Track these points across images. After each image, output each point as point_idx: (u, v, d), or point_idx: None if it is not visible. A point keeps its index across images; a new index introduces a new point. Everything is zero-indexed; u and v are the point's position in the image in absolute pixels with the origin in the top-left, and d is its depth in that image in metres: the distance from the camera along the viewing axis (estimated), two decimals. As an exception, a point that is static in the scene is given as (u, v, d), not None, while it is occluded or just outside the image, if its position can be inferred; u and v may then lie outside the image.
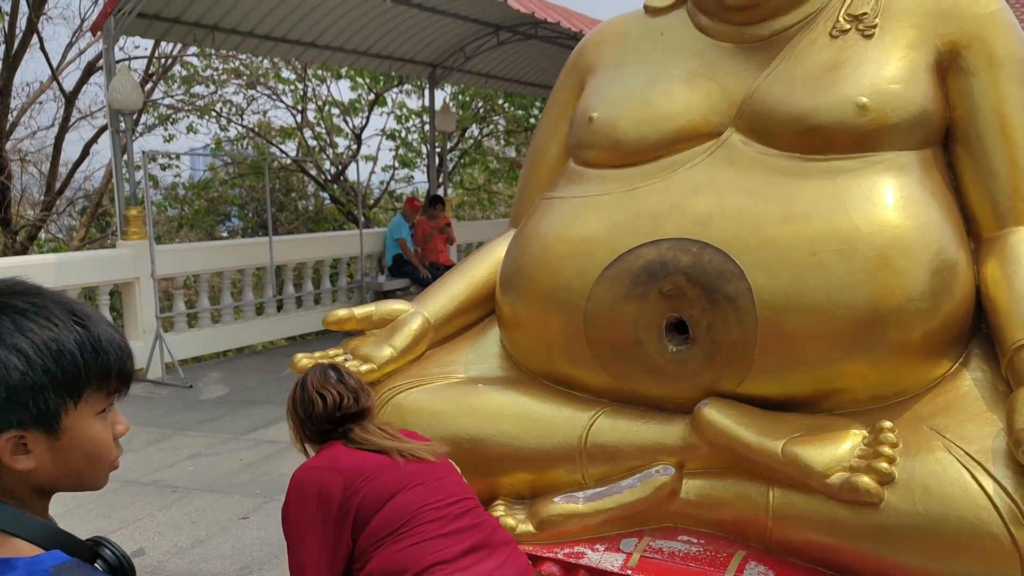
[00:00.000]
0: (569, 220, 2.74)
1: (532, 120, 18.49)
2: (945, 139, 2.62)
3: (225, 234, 16.25)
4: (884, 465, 2.10)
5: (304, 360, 2.77)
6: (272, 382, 7.39)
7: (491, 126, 18.72)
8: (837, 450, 2.20)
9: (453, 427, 2.68)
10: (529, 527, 2.55)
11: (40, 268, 6.78)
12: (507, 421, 2.67)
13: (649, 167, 2.71)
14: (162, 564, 3.76)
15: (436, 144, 12.40)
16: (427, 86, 11.96)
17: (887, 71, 2.51)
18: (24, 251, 9.97)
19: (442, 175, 12.41)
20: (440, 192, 11.77)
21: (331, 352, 2.90)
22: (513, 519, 2.57)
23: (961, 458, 2.08)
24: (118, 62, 7.43)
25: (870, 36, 2.58)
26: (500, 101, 17.47)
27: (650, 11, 3.03)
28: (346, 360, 2.85)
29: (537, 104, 17.44)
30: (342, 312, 2.95)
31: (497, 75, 12.30)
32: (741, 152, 2.60)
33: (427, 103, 12.32)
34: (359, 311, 2.97)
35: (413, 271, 9.69)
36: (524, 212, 3.14)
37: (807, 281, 2.30)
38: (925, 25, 2.59)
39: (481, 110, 17.72)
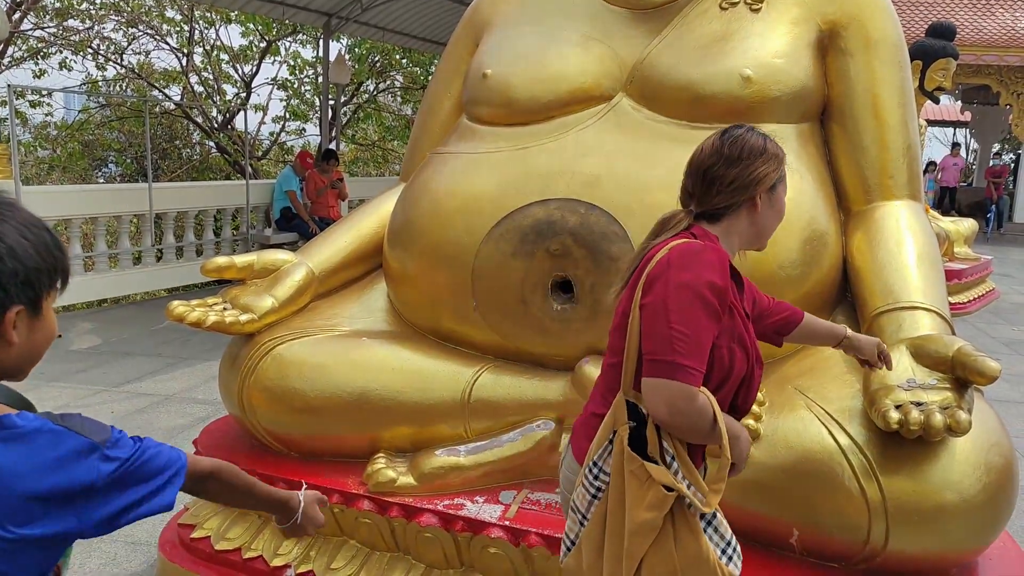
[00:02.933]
0: (460, 176, 2.74)
1: (429, 78, 18.23)
2: (822, 115, 2.74)
3: (101, 180, 15.40)
4: (751, 422, 2.21)
5: (180, 308, 2.67)
6: (148, 334, 7.10)
7: (387, 82, 18.37)
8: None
9: (336, 380, 2.65)
10: (410, 479, 2.56)
11: None
12: (391, 375, 2.66)
13: (541, 127, 2.73)
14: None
15: (330, 97, 12.07)
16: (322, 36, 11.60)
17: (771, 46, 2.60)
18: None
19: (335, 129, 12.11)
20: (333, 147, 11.49)
21: (209, 300, 2.81)
22: (394, 471, 2.57)
23: (821, 416, 2.21)
24: (-18, -14, 6.85)
25: (757, 11, 2.66)
26: (398, 56, 17.14)
27: (549, -29, 3.02)
28: (225, 309, 2.77)
29: (435, 62, 17.20)
30: (222, 260, 2.86)
31: (395, 29, 12.04)
32: (630, 117, 2.65)
33: (322, 54, 11.97)
34: (240, 259, 2.88)
35: (301, 225, 9.46)
36: (415, 166, 3.12)
37: (687, 245, 2.37)
38: (808, 3, 2.69)
39: (378, 64, 17.34)
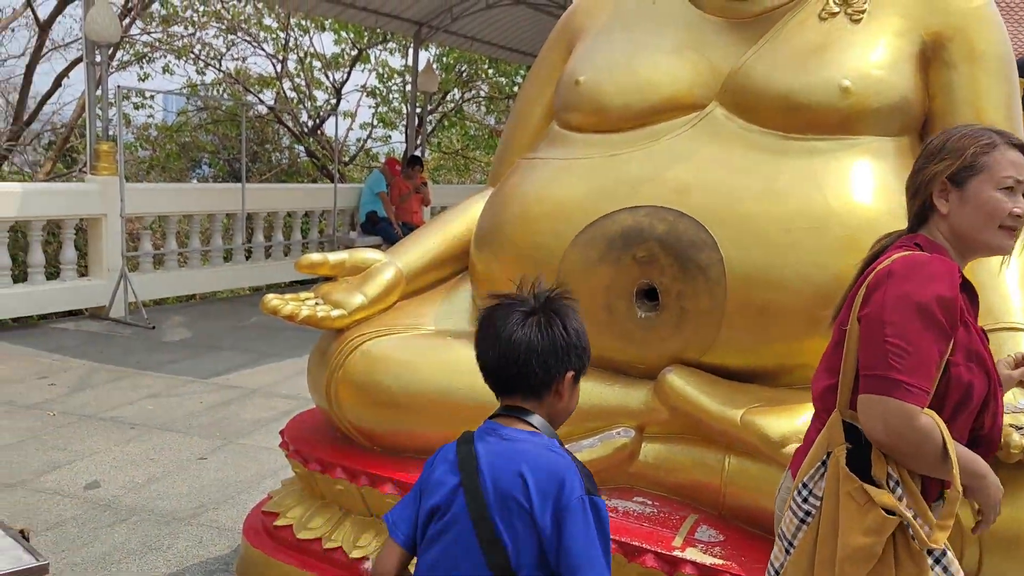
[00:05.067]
0: (549, 181, 2.76)
1: (515, 88, 18.38)
2: (923, 129, 2.67)
3: (195, 180, 15.99)
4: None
5: (275, 301, 2.77)
6: (236, 330, 7.36)
7: (473, 91, 18.59)
8: (794, 422, 2.26)
9: (420, 377, 2.70)
10: (487, 481, 2.58)
11: (4, 197, 6.63)
12: (474, 375, 2.64)
13: (631, 134, 2.73)
14: (117, 498, 3.75)
15: (417, 105, 12.29)
16: (411, 45, 11.82)
17: (872, 57, 2.55)
18: (-12, 180, 9.78)
19: (421, 136, 12.32)
20: (418, 153, 11.69)
21: (303, 295, 2.90)
22: (473, 471, 2.60)
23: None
24: (97, -8, 7.21)
25: (858, 21, 2.61)
26: (484, 66, 17.34)
27: (644, -21, 3.03)
28: (317, 304, 2.86)
29: (521, 72, 17.33)
30: (315, 256, 2.95)
31: (483, 39, 12.19)
32: (723, 126, 2.63)
33: (410, 63, 12.19)
34: (333, 257, 2.97)
35: (385, 229, 9.65)
36: (504, 172, 3.15)
37: (779, 256, 2.35)
38: (912, 14, 2.63)
39: (464, 74, 17.57)
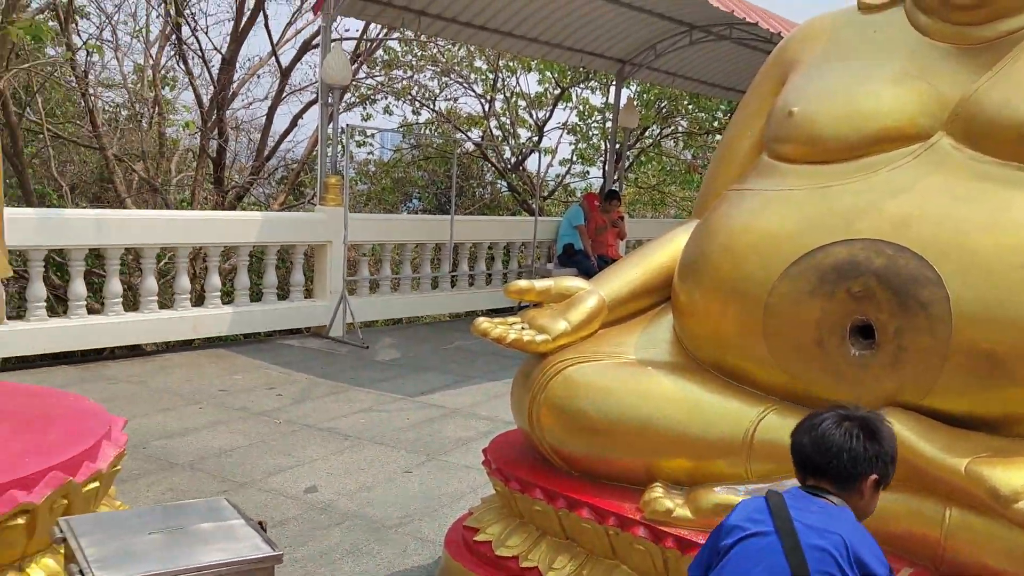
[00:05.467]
0: (757, 212, 2.73)
1: (715, 123, 18.13)
2: None
3: (404, 213, 16.99)
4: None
5: (485, 324, 2.91)
6: (440, 352, 7.73)
7: (672, 127, 18.52)
8: (1028, 476, 2.09)
9: (620, 405, 2.74)
10: (687, 512, 2.57)
11: (247, 223, 7.46)
12: (673, 406, 2.70)
13: (846, 165, 2.65)
14: (332, 503, 4.05)
15: (616, 140, 12.44)
16: (613, 83, 11.99)
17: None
18: (232, 209, 10.92)
19: (618, 171, 12.44)
20: (615, 188, 11.81)
21: (510, 320, 3.03)
22: (671, 502, 2.59)
23: None
24: (332, 41, 7.95)
25: (1107, 45, 2.41)
26: (684, 102, 17.25)
27: (864, 8, 2.95)
28: (523, 329, 2.98)
29: (722, 107, 17.07)
30: (523, 283, 3.07)
31: (685, 75, 12.16)
32: (949, 156, 2.50)
33: (611, 100, 12.36)
34: (539, 284, 3.09)
35: (582, 261, 9.79)
36: (709, 203, 3.15)
37: (1011, 294, 2.19)
38: None
39: (664, 110, 17.56)
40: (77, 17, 9.69)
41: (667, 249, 3.21)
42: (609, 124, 12.90)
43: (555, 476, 2.88)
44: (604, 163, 14.69)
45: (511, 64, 15.66)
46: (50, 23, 8.25)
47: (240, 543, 2.13)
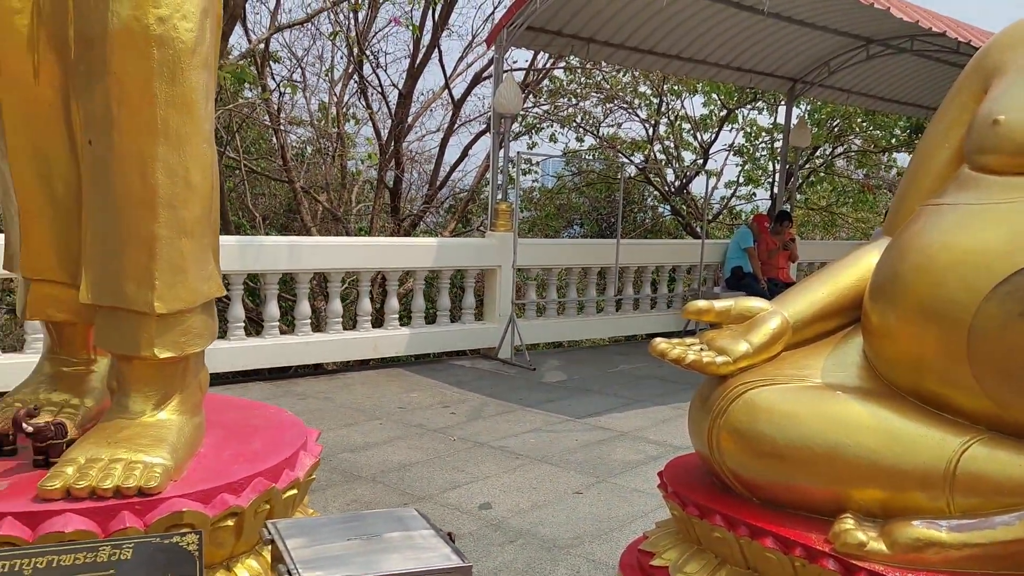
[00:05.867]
0: (958, 228, 2.57)
1: (893, 140, 17.18)
2: None
3: (566, 237, 17.15)
4: None
5: (663, 344, 2.89)
6: (604, 375, 7.73)
7: (844, 146, 17.71)
8: None
9: (806, 431, 2.63)
10: (882, 546, 2.43)
11: (423, 249, 7.83)
12: (866, 433, 2.57)
13: (1061, 177, 2.46)
14: (505, 520, 4.12)
15: (787, 160, 12.04)
16: (782, 102, 11.64)
17: None
18: (407, 236, 11.45)
19: (789, 192, 12.02)
20: (787, 208, 11.42)
21: (688, 341, 2.99)
22: (864, 535, 2.46)
23: None
24: (503, 72, 8.23)
25: None
26: (858, 119, 16.47)
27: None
28: (701, 350, 2.93)
29: (900, 124, 16.18)
30: (702, 304, 3.02)
31: (861, 91, 11.63)
32: None
33: (780, 120, 12.00)
34: (719, 304, 3.03)
35: (751, 285, 9.52)
36: (902, 220, 2.99)
37: None
38: None
39: (836, 128, 16.83)
40: (271, 62, 10.53)
41: (856, 268, 3.07)
42: (778, 144, 12.51)
43: (736, 502, 2.81)
44: (772, 184, 14.24)
45: (675, 88, 15.55)
46: (250, 67, 9.03)
47: (430, 553, 2.21)
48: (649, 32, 8.84)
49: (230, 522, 2.63)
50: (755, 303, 3.07)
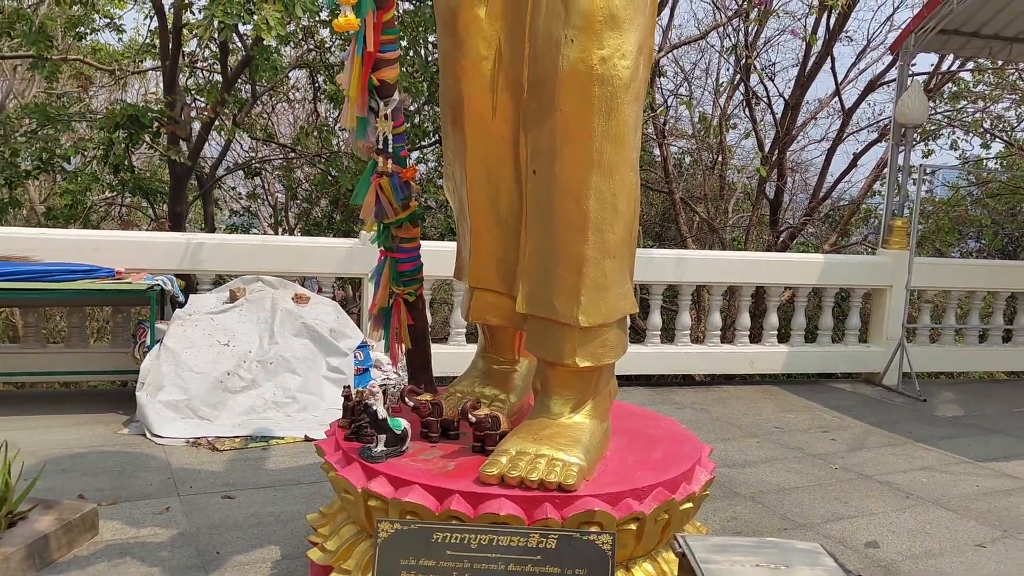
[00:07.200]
0: None
1: None
2: None
3: (956, 254, 15.38)
4: None
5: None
6: (1010, 414, 6.86)
7: None
8: None
9: None
10: None
11: (806, 265, 7.60)
12: None
13: None
14: (895, 563, 3.87)
15: None
16: None
17: None
18: (784, 250, 11.12)
19: None
20: None
21: None
22: None
23: None
24: (908, 77, 7.66)
25: None
26: None
27: None
28: None
29: None
30: None
31: None
32: None
33: None
34: None
35: None
36: None
37: None
38: None
39: None
40: (660, 77, 10.87)
41: None
42: None
43: None
44: None
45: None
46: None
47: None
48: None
49: (633, 526, 2.81)
50: None
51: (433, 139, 9.63)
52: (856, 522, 4.36)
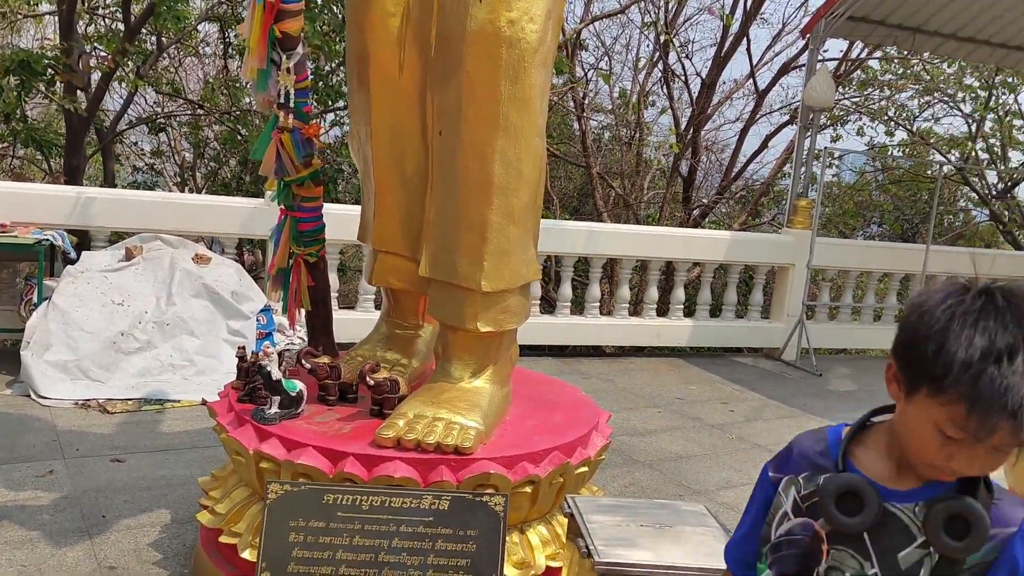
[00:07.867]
0: None
1: None
2: None
3: (860, 237, 16.01)
4: None
5: None
6: (899, 393, 7.19)
7: None
8: None
9: None
10: None
11: (714, 241, 7.75)
12: None
13: None
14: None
15: None
16: None
17: None
18: (696, 227, 11.35)
19: None
20: None
21: None
22: None
23: None
24: (817, 63, 7.86)
25: None
26: None
27: None
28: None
29: None
30: None
31: None
32: None
33: None
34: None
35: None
36: None
37: None
38: None
39: None
40: (581, 50, 10.88)
41: None
42: None
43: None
44: None
45: (1009, 80, 13.83)
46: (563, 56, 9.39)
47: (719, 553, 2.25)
48: (987, 21, 7.95)
49: (528, 489, 2.83)
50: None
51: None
52: (748, 489, 4.42)
